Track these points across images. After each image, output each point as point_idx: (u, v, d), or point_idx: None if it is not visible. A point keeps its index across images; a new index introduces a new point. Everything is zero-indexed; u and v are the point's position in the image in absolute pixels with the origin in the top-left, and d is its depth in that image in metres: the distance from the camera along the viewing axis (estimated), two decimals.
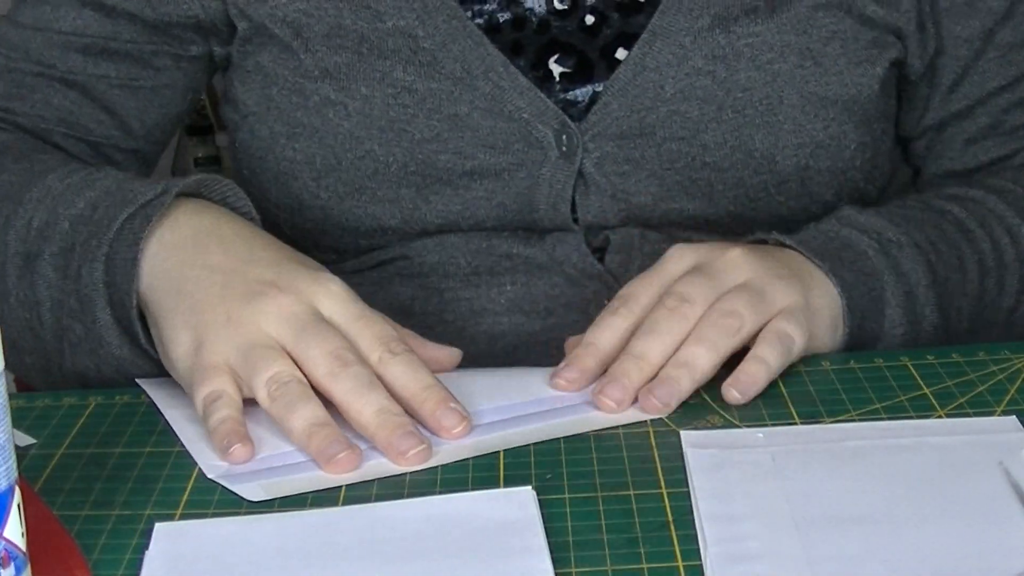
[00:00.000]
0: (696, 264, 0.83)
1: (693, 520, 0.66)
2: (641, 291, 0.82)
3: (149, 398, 0.81)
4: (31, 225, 0.86)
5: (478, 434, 0.75)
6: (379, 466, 0.73)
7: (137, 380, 0.83)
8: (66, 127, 0.98)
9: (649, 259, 0.86)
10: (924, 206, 0.93)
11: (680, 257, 0.84)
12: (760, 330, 0.80)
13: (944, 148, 1.01)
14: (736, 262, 0.83)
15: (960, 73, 0.98)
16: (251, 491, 0.71)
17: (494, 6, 0.94)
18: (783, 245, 0.87)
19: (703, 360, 0.78)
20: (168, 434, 0.77)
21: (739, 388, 0.77)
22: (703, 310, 0.79)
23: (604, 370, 0.80)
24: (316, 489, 0.71)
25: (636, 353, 0.78)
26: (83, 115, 0.98)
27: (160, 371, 0.82)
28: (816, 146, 0.93)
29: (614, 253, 0.95)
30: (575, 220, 0.95)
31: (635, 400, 0.78)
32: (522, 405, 0.79)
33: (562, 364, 0.81)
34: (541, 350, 0.93)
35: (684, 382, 0.77)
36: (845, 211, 0.90)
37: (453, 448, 0.74)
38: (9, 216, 0.87)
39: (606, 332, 0.81)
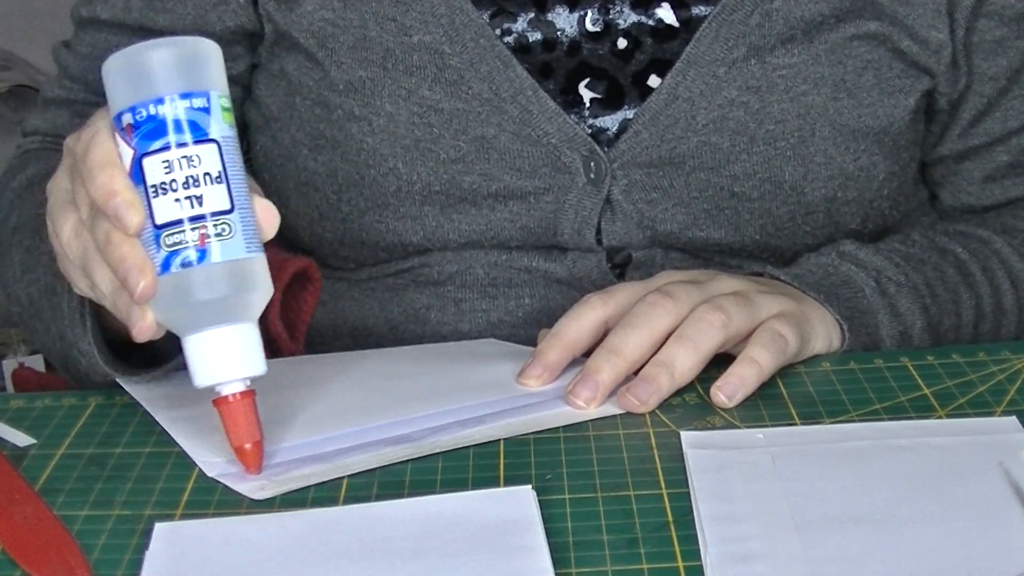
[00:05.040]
0: (685, 279, 0.83)
1: (693, 521, 0.66)
2: (621, 288, 0.82)
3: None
4: (52, 261, 0.87)
5: (448, 433, 0.75)
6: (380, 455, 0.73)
7: (118, 379, 0.83)
8: None
9: None
10: (928, 244, 0.93)
11: (669, 275, 0.84)
12: (748, 334, 0.80)
13: (962, 182, 1.00)
14: (727, 278, 0.83)
15: (982, 109, 0.97)
16: (252, 489, 0.71)
17: (524, 26, 0.92)
18: (777, 279, 0.87)
19: (684, 359, 0.77)
20: (168, 434, 0.77)
21: (727, 391, 0.77)
22: (687, 309, 0.79)
23: (569, 360, 0.81)
24: (317, 483, 0.71)
25: (610, 347, 0.78)
26: None
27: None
28: (846, 178, 0.92)
29: (634, 270, 0.94)
30: (598, 242, 0.94)
31: (612, 394, 0.78)
32: (495, 403, 0.79)
33: (528, 360, 0.81)
34: None
35: (663, 381, 0.77)
36: (846, 246, 0.90)
37: (427, 446, 0.74)
38: (35, 252, 0.89)
39: (574, 323, 0.81)
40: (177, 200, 0.69)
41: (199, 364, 0.71)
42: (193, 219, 0.69)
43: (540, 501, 0.68)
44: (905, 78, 0.93)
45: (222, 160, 0.70)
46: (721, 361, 0.79)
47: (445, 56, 0.91)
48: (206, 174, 0.69)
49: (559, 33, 0.92)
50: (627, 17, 0.92)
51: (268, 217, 0.72)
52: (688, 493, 0.68)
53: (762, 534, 0.64)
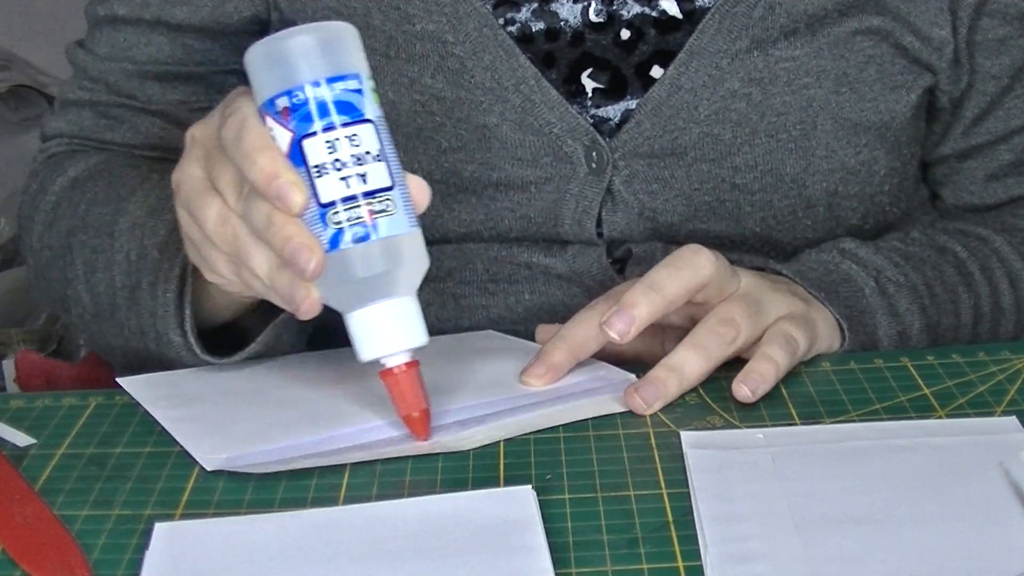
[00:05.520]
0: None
1: (693, 521, 0.66)
2: (626, 288, 0.82)
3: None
4: (129, 259, 0.88)
5: (449, 433, 0.75)
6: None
7: (119, 380, 0.83)
8: (160, 151, 1.00)
9: None
10: (927, 242, 0.93)
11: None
12: (757, 338, 0.80)
13: (964, 181, 1.00)
14: (741, 272, 0.83)
15: (985, 108, 0.97)
16: (256, 468, 0.72)
17: (527, 15, 0.92)
18: (779, 274, 0.87)
19: (694, 366, 0.78)
20: (168, 434, 0.77)
21: (750, 386, 0.77)
22: (724, 270, 0.80)
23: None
24: (318, 466, 0.72)
25: (651, 283, 0.78)
26: (172, 138, 1.00)
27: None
28: (847, 172, 0.93)
29: (634, 265, 0.94)
30: (599, 235, 0.94)
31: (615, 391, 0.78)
32: (495, 402, 0.79)
33: (532, 360, 0.81)
34: None
35: (671, 385, 0.77)
36: (847, 243, 0.90)
37: (426, 446, 0.74)
38: (106, 251, 0.89)
39: (581, 327, 0.81)
40: (343, 179, 0.70)
41: (364, 339, 0.73)
42: (358, 196, 0.70)
43: (540, 501, 0.68)
44: (907, 74, 0.93)
45: (379, 139, 0.71)
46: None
47: (448, 45, 0.91)
48: (367, 152, 0.71)
49: (562, 23, 0.92)
50: (631, 8, 0.92)
51: (421, 192, 0.74)
52: (688, 493, 0.68)
53: (762, 534, 0.64)
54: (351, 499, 0.70)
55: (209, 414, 0.79)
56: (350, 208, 0.70)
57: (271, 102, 0.71)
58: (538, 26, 0.92)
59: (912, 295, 0.88)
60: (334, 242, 0.70)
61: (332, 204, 0.70)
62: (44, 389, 1.12)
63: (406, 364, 0.74)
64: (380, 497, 0.70)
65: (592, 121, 0.92)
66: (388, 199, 0.71)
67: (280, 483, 0.71)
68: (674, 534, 0.65)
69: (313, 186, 0.70)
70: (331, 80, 0.71)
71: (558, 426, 0.76)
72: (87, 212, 0.92)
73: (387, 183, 0.71)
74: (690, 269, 0.79)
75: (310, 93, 0.70)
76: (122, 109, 1.00)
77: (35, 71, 2.12)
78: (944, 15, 0.93)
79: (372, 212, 0.70)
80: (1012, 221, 0.97)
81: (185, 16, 0.96)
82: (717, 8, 0.91)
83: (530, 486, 0.69)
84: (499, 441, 0.74)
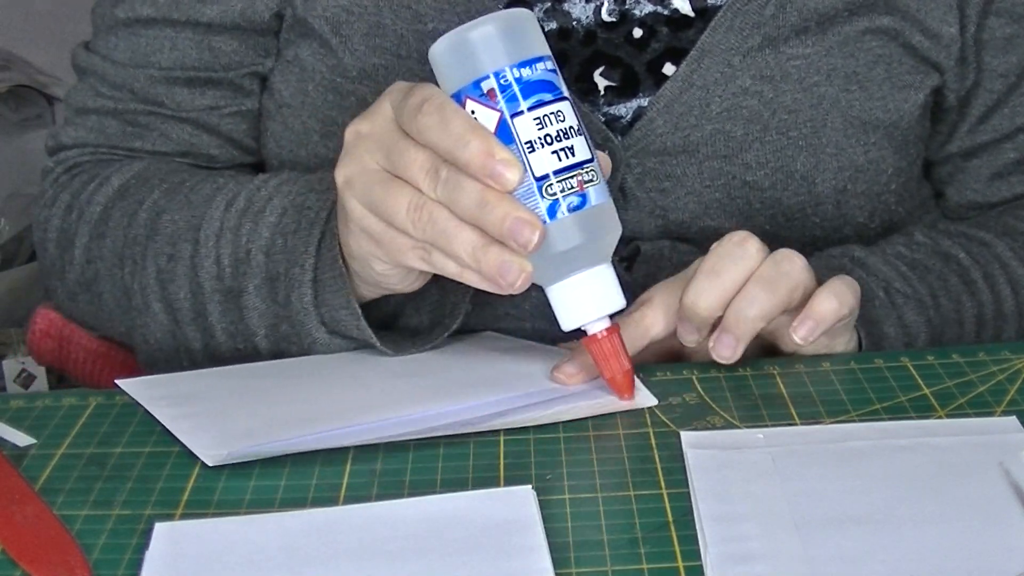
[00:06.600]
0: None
1: (693, 520, 0.66)
2: (658, 299, 0.83)
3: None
4: (221, 263, 0.87)
5: (453, 430, 0.75)
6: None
7: (117, 381, 0.83)
8: (191, 158, 0.99)
9: (678, 271, 0.85)
10: (932, 248, 0.93)
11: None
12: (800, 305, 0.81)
13: (969, 179, 1.01)
14: None
15: (991, 106, 0.98)
16: (259, 453, 0.72)
17: (539, 15, 0.92)
18: None
19: (763, 302, 0.78)
20: (168, 434, 0.77)
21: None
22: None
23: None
24: (323, 447, 0.72)
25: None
26: (203, 145, 0.99)
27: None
28: (855, 170, 0.93)
29: (642, 263, 0.94)
30: None
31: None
32: (496, 402, 0.79)
33: (563, 358, 0.81)
34: None
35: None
36: (856, 251, 0.90)
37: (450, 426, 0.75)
38: (192, 257, 0.89)
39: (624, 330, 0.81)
40: (554, 152, 0.74)
41: (568, 308, 0.77)
42: (570, 168, 0.74)
43: (540, 501, 0.68)
44: (915, 74, 0.94)
45: (576, 114, 0.76)
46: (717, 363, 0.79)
47: None
48: (570, 127, 0.75)
49: (575, 23, 0.92)
50: (643, 7, 0.92)
51: (605, 164, 0.78)
52: (688, 493, 0.68)
53: (762, 534, 0.64)
54: (351, 499, 0.70)
55: (210, 412, 0.79)
56: (564, 179, 0.74)
57: (475, 85, 0.74)
58: (550, 25, 0.92)
59: (919, 307, 0.88)
60: (550, 214, 0.73)
61: (546, 177, 0.74)
62: (54, 352, 1.11)
63: (607, 330, 0.77)
64: (380, 497, 0.70)
65: (604, 119, 0.92)
66: (592, 169, 0.75)
67: (280, 483, 0.72)
68: (674, 534, 0.65)
69: (526, 161, 0.73)
70: (532, 61, 0.74)
71: (558, 426, 0.76)
72: (154, 220, 0.91)
73: (589, 155, 0.75)
74: (727, 273, 0.79)
75: (517, 74, 0.74)
76: (150, 117, 0.98)
77: (35, 71, 2.12)
78: (953, 12, 0.93)
79: (582, 183, 0.74)
80: (1013, 224, 0.97)
81: (216, 15, 0.95)
82: (729, 6, 0.91)
83: (530, 486, 0.69)
84: (499, 440, 0.75)
